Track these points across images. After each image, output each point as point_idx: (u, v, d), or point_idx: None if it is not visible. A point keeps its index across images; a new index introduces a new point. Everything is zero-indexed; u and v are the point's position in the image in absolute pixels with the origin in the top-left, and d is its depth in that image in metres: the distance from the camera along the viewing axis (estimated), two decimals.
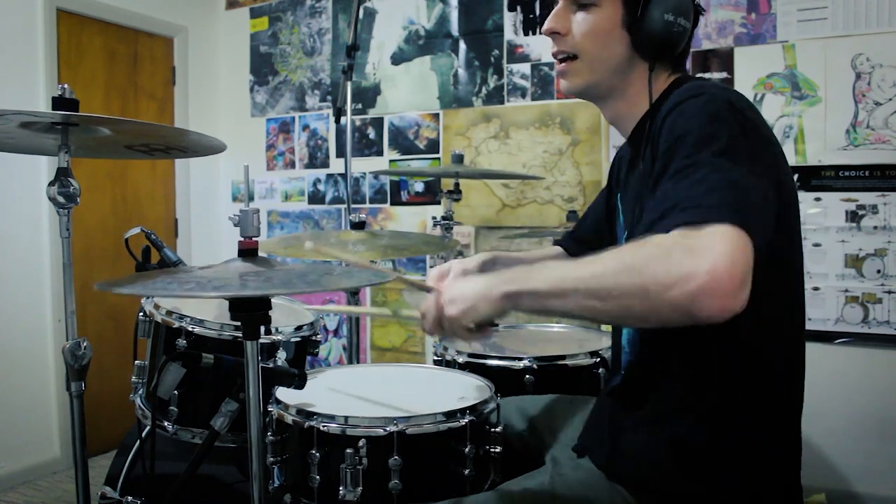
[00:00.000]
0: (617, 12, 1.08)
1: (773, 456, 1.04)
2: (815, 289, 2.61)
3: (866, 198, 2.56)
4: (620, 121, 1.18)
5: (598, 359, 1.76)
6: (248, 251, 1.15)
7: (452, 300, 1.01)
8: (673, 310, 0.80)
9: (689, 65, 2.82)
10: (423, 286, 1.14)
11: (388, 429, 1.19)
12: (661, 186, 0.92)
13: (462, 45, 3.35)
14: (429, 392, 1.46)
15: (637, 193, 1.11)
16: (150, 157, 1.66)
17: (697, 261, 0.78)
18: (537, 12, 3.17)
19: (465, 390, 1.39)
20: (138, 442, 1.68)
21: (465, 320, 1.00)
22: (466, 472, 1.24)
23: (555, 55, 1.15)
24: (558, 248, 1.52)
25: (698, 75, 2.79)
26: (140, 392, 1.67)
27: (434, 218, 2.73)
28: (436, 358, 1.85)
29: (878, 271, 2.54)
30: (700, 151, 0.90)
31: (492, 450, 1.30)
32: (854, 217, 2.58)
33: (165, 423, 1.58)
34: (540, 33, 1.17)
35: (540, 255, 1.52)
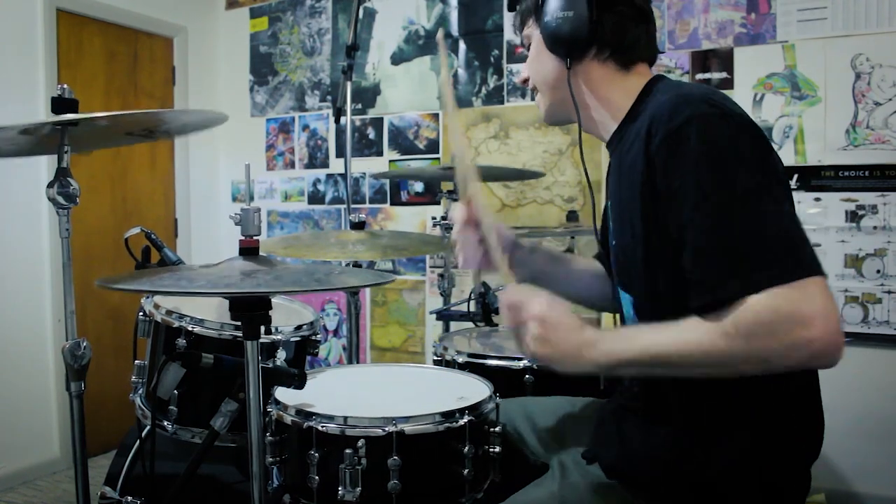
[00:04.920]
0: (539, 36, 1.19)
1: (790, 462, 1.04)
2: None
3: (866, 198, 2.56)
4: (594, 129, 1.21)
5: None
6: (248, 250, 1.15)
7: (545, 339, 0.99)
8: (789, 369, 0.88)
9: (689, 65, 2.83)
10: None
11: (386, 429, 1.19)
12: (701, 231, 0.90)
13: (462, 45, 3.35)
14: (428, 392, 1.46)
15: (623, 202, 1.08)
16: (151, 140, 1.66)
17: (809, 331, 0.83)
18: None
19: (465, 390, 1.39)
20: (138, 442, 1.68)
21: (544, 361, 1.01)
22: (465, 472, 1.24)
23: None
24: (597, 263, 1.44)
25: (699, 76, 2.79)
26: (140, 392, 1.67)
27: (434, 218, 2.73)
28: (435, 358, 1.85)
29: (878, 271, 2.54)
30: (731, 191, 0.90)
31: (491, 450, 1.30)
32: (854, 217, 2.57)
33: (165, 423, 1.58)
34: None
35: (575, 263, 1.47)
